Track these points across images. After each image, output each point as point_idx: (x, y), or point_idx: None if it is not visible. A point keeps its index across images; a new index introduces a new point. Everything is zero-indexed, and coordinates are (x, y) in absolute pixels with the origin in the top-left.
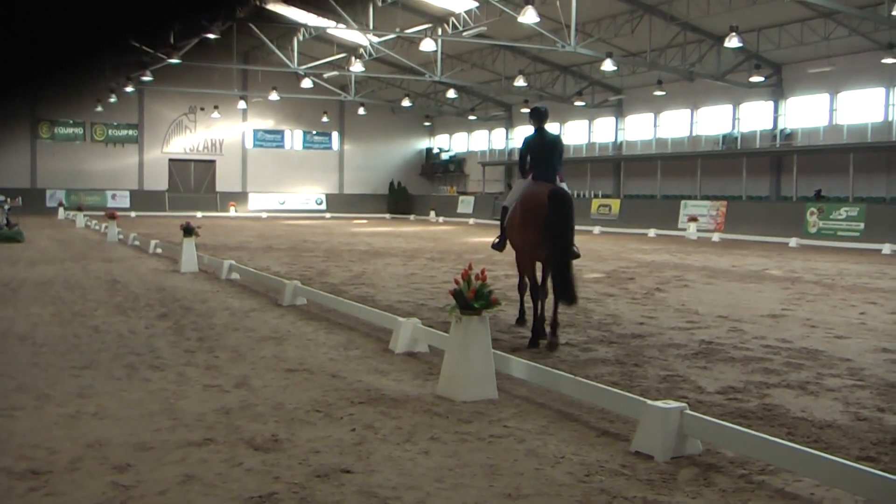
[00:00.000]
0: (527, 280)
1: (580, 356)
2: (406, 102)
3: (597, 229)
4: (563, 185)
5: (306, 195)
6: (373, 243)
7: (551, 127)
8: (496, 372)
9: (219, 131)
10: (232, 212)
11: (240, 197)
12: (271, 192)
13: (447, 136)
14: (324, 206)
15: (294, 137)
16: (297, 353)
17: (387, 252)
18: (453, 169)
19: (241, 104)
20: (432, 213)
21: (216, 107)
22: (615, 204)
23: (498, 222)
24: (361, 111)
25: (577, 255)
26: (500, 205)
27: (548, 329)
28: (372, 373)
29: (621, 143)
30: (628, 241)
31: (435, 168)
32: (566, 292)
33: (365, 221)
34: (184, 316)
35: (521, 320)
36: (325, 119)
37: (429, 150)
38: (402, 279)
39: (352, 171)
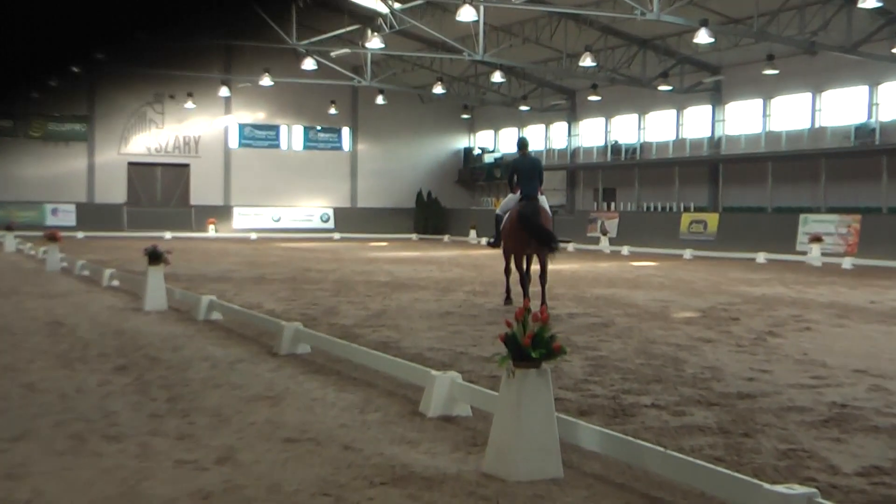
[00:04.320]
0: (513, 268)
1: (670, 422)
2: (438, 89)
3: (687, 253)
4: (542, 198)
5: (309, 210)
6: (396, 272)
7: (624, 125)
8: (561, 442)
9: (194, 126)
10: (211, 231)
11: (222, 212)
12: (263, 206)
13: (492, 132)
14: (331, 225)
15: (292, 135)
16: (298, 418)
17: (414, 284)
18: (500, 175)
19: (224, 91)
20: (473, 233)
21: (190, 94)
22: (712, 220)
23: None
24: (380, 100)
25: (554, 244)
26: (496, 213)
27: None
28: (397, 443)
29: (719, 138)
30: (730, 268)
31: (476, 174)
32: (544, 241)
33: (385, 244)
34: (149, 369)
35: (508, 300)
36: (332, 111)
37: (468, 151)
38: (436, 319)
39: (368, 178)
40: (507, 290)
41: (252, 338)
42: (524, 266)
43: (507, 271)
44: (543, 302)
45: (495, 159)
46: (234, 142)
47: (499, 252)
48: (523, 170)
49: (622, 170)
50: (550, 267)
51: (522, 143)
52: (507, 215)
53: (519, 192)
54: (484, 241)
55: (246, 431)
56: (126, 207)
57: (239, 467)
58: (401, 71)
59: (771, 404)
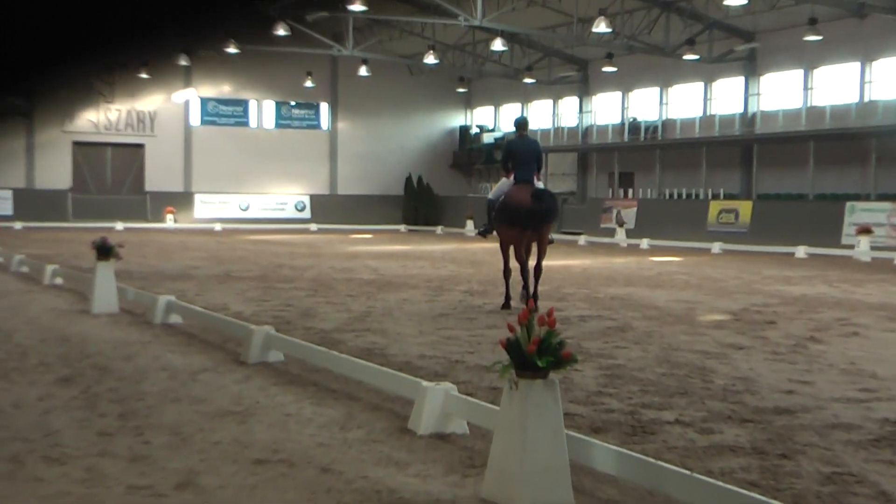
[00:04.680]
0: (511, 266)
1: (697, 441)
2: (430, 59)
3: (716, 247)
4: (539, 185)
5: (282, 197)
6: (382, 269)
7: (644, 99)
8: (571, 463)
9: (149, 101)
10: (170, 222)
11: (182, 200)
12: (229, 193)
13: (491, 108)
14: (308, 214)
15: (263, 111)
16: (269, 436)
17: (403, 282)
18: (501, 158)
19: (183, 60)
20: (470, 224)
21: (144, 63)
22: (744, 208)
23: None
24: (364, 72)
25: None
26: (488, 198)
27: (522, 294)
28: (383, 465)
29: (753, 115)
30: (765, 264)
31: (474, 157)
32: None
33: (369, 237)
34: (97, 380)
35: (506, 305)
36: (308, 84)
37: (464, 130)
38: (427, 323)
39: (349, 161)
40: (507, 293)
41: (217, 344)
42: (525, 256)
43: (507, 272)
44: (532, 296)
45: (495, 139)
46: (195, 119)
47: (497, 246)
48: (520, 152)
49: (641, 151)
50: (565, 263)
51: (521, 123)
52: (499, 200)
53: (513, 177)
54: (478, 228)
55: (209, 452)
56: (71, 194)
57: (201, 493)
58: (387, 38)
59: (813, 421)
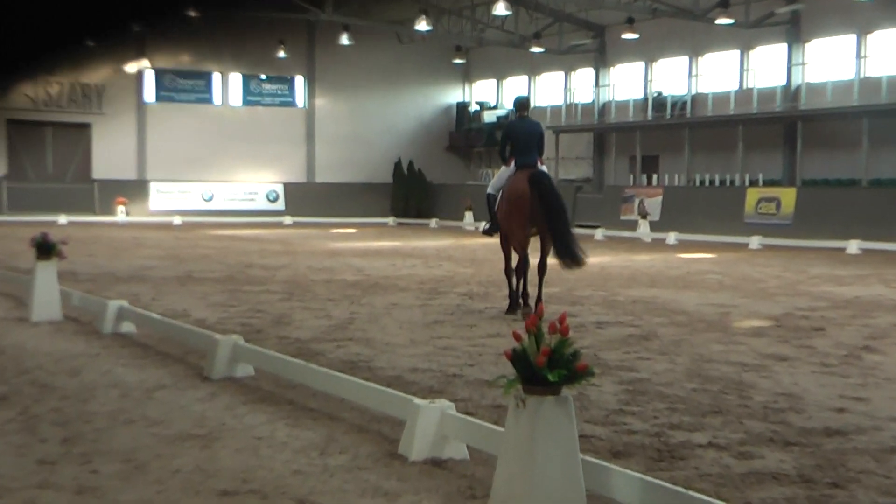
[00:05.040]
0: (512, 263)
1: (733, 466)
2: (423, 25)
3: (755, 241)
4: (543, 169)
5: (251, 186)
6: (368, 269)
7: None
8: (588, 493)
9: (96, 73)
10: (122, 215)
11: (135, 189)
12: (190, 181)
13: (493, 82)
14: (281, 205)
15: (228, 85)
16: (237, 463)
17: (392, 284)
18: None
19: (135, 26)
20: (469, 216)
21: (91, 29)
22: (787, 196)
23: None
24: (345, 40)
25: (581, 260)
26: (488, 192)
27: (523, 309)
28: (369, 495)
29: (798, 88)
30: (811, 261)
31: (473, 138)
32: (572, 253)
33: (353, 231)
34: (38, 399)
35: (512, 308)
36: (281, 54)
37: (462, 108)
38: (420, 331)
39: (329, 144)
40: (511, 295)
41: (176, 357)
42: (526, 252)
43: (510, 271)
44: (537, 299)
45: (498, 118)
46: (150, 94)
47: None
48: (520, 136)
49: (667, 131)
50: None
51: (521, 103)
52: (500, 193)
53: (513, 165)
54: (482, 226)
55: (168, 482)
56: (6, 182)
57: None
58: (373, 1)
59: (868, 444)
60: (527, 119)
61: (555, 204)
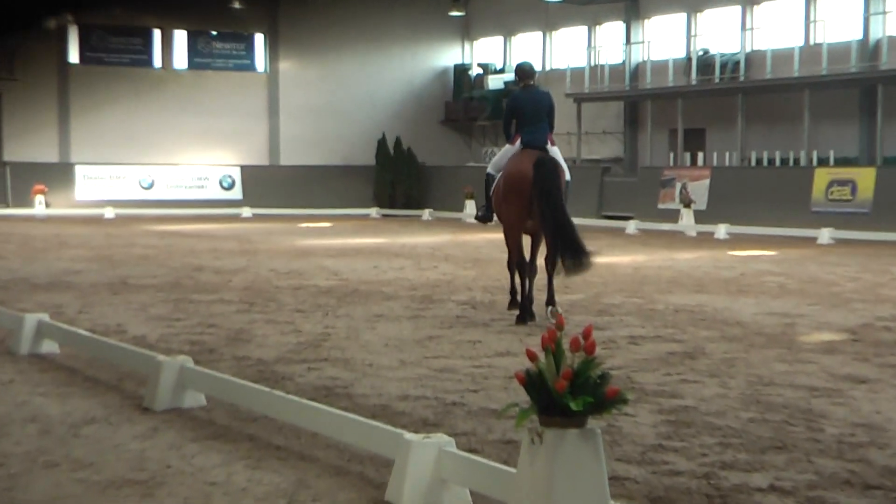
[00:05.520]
0: (524, 260)
1: None
2: None
3: (825, 234)
4: (555, 150)
5: (201, 170)
6: (345, 272)
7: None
8: None
9: (6, 30)
10: (40, 206)
11: (57, 174)
12: (125, 164)
13: (500, 39)
14: (238, 194)
15: (173, 45)
16: None
17: (376, 291)
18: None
19: None
20: (471, 205)
21: None
22: (865, 178)
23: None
24: None
25: (586, 264)
26: (487, 172)
27: (548, 309)
28: None
29: (877, 43)
30: (894, 258)
31: (474, 109)
32: (575, 257)
33: (327, 225)
34: None
35: (513, 302)
36: (236, 5)
37: (461, 72)
38: (411, 349)
39: (297, 117)
40: (513, 289)
41: (109, 383)
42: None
43: (512, 264)
44: (549, 303)
45: (505, 84)
46: (74, 55)
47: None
48: (526, 108)
49: (716, 98)
50: (608, 260)
51: (524, 70)
52: (500, 174)
53: (518, 143)
54: (476, 212)
55: None
56: None
57: None
58: None
59: None
60: (533, 88)
61: (553, 189)
